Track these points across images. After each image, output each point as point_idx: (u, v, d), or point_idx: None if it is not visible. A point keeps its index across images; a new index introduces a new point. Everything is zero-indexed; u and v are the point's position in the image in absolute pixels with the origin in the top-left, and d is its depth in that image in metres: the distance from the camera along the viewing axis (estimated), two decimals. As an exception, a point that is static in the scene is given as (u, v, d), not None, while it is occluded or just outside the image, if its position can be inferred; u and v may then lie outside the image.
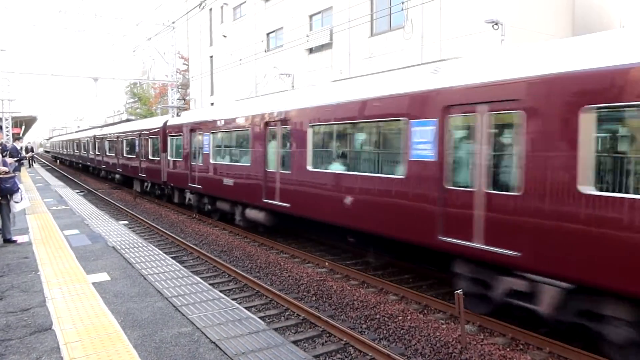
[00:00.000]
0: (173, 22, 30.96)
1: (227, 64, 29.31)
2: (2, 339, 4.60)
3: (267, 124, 11.24)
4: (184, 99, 40.91)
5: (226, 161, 13.53)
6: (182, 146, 16.34)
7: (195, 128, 15.33)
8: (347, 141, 9.22)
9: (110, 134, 27.51)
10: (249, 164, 11.99)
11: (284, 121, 10.58)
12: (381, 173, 8.16)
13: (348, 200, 8.58)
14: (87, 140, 34.87)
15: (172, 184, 17.57)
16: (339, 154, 9.34)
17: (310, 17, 24.10)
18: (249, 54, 27.42)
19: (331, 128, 9.43)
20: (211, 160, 14.07)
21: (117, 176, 26.21)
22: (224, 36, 31.73)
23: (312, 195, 9.67)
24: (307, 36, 23.27)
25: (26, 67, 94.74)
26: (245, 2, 29.84)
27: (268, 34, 27.88)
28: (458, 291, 6.09)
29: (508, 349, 5.94)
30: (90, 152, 33.35)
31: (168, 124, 18.05)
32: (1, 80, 36.36)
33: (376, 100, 8.15)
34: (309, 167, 9.74)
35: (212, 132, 14.11)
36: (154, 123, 20.09)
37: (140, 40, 34.54)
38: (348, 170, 8.89)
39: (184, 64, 44.74)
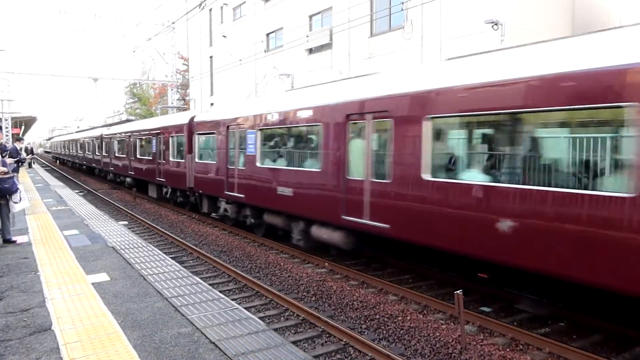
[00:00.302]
0: (173, 23, 31.06)
1: (227, 64, 29.32)
2: (1, 340, 4.60)
3: (348, 117, 8.61)
4: (184, 99, 40.97)
5: (281, 165, 10.86)
6: (216, 146, 13.71)
7: (234, 124, 12.69)
8: (507, 140, 6.48)
9: (120, 133, 24.94)
10: (318, 169, 9.36)
11: (379, 113, 7.95)
12: (588, 188, 5.44)
13: (505, 225, 5.98)
14: (93, 140, 32.33)
15: (200, 191, 15.03)
16: (487, 159, 6.78)
17: (310, 17, 24.11)
18: (248, 54, 27.44)
19: (469, 120, 6.85)
20: (258, 164, 11.43)
21: (128, 180, 23.72)
22: (224, 36, 31.75)
23: (431, 215, 7.02)
24: (307, 36, 23.28)
25: (26, 67, 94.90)
26: (245, 2, 29.86)
27: (268, 34, 27.89)
28: (458, 291, 6.08)
29: (508, 349, 5.94)
30: (97, 153, 30.91)
31: (196, 120, 15.57)
32: (1, 80, 36.40)
33: (580, 77, 5.29)
34: (426, 176, 7.07)
35: (260, 129, 11.43)
36: (177, 119, 17.52)
37: (140, 40, 34.68)
38: (509, 183, 6.12)
39: (183, 64, 44.80)
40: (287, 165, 10.67)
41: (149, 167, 19.82)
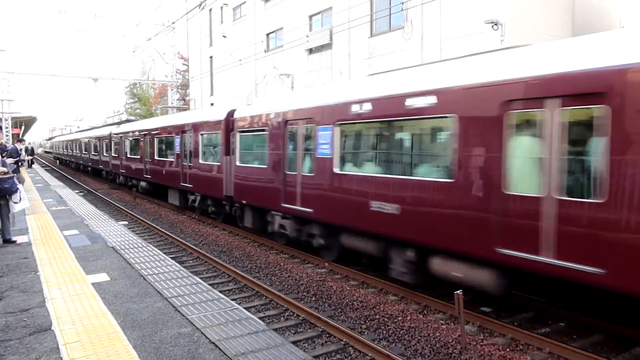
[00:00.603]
0: (173, 23, 31.07)
1: (226, 64, 29.33)
2: (1, 340, 4.60)
3: (508, 104, 6.03)
4: (184, 99, 41.00)
5: (376, 171, 8.32)
6: (268, 147, 11.18)
7: (295, 119, 10.26)
8: None
9: (134, 132, 22.34)
10: (450, 179, 6.79)
11: (580, 98, 5.41)
12: None
13: None
14: (100, 139, 29.35)
15: (243, 201, 12.47)
16: None
17: (310, 17, 24.12)
18: (248, 55, 27.45)
19: None
20: (337, 170, 8.94)
21: (143, 184, 21.17)
22: (224, 36, 31.76)
23: None
24: (307, 36, 23.29)
25: (26, 67, 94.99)
26: (245, 2, 29.87)
27: (268, 35, 27.91)
28: (458, 292, 6.08)
29: (508, 349, 5.94)
30: (104, 154, 28.02)
31: (236, 115, 13.00)
32: (1, 80, 36.45)
33: None
34: None
35: (340, 124, 8.89)
36: (210, 115, 14.90)
37: (140, 40, 34.76)
38: None
39: (183, 64, 44.85)
40: (388, 173, 8.09)
41: (171, 170, 17.20)
